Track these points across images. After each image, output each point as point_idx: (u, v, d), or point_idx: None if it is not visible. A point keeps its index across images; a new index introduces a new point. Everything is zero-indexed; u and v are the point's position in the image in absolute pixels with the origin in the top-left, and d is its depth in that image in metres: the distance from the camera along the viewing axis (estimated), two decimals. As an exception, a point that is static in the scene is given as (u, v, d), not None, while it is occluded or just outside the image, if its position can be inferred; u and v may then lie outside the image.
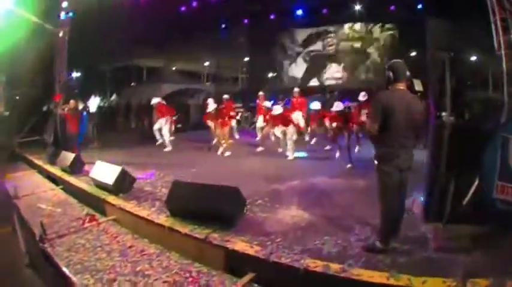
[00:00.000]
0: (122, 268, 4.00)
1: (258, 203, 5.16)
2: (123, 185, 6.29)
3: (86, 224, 5.43)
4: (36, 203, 6.75)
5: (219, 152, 9.76)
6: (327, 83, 19.13)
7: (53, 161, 9.31)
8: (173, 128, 11.46)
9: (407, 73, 3.29)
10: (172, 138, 11.04)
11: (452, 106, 3.86)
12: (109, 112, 19.20)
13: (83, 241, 4.86)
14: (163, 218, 4.82)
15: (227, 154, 9.60)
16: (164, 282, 3.68)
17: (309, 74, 19.87)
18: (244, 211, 4.73)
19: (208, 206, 4.47)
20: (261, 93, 12.42)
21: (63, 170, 8.36)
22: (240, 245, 3.76)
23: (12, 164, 11.64)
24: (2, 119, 15.71)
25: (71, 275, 3.78)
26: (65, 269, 3.94)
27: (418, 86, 3.86)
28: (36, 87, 15.62)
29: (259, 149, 10.03)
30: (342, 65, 19.33)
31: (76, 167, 8.18)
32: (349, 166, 7.42)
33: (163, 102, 11.35)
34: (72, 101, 10.08)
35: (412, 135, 3.32)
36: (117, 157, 9.52)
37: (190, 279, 3.70)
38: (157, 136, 10.98)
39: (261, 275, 3.42)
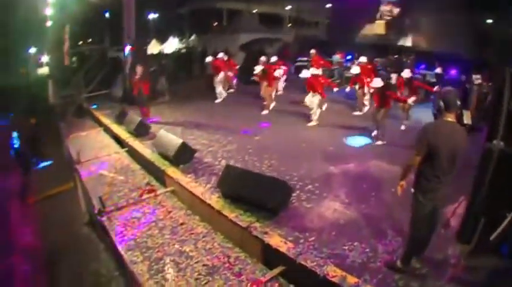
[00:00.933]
0: (170, 247, 5.16)
1: (307, 189, 5.83)
2: (183, 157, 7.43)
3: (144, 196, 6.78)
4: (99, 169, 8.39)
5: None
6: (407, 44, 17.80)
7: (120, 120, 11.07)
8: (234, 82, 14.55)
9: (458, 103, 3.56)
10: (231, 90, 14.03)
11: (507, 130, 3.81)
12: (186, 56, 21.07)
13: (139, 214, 6.19)
14: (214, 199, 5.79)
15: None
16: (204, 265, 4.72)
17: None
18: (290, 201, 5.44)
19: (255, 195, 5.29)
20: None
21: (129, 132, 9.99)
22: (275, 239, 4.53)
23: (80, 119, 14.09)
24: (68, 73, 18.68)
25: (122, 252, 5.07)
26: (118, 246, 5.24)
27: (467, 119, 3.92)
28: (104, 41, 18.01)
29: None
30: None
31: (141, 131, 9.72)
32: (379, 143, 8.20)
33: (223, 57, 13.90)
34: (139, 67, 11.52)
35: (454, 171, 3.62)
36: (184, 114, 11.55)
37: (227, 265, 4.65)
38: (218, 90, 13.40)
39: (288, 270, 4.20)
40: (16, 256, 7.65)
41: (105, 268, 6.53)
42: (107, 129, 11.56)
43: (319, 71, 11.63)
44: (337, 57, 16.91)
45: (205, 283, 4.34)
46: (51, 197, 10.59)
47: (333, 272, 3.76)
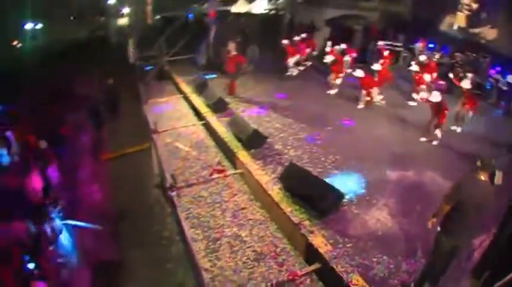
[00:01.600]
0: (228, 229, 6.63)
1: (360, 193, 6.89)
2: (255, 142, 8.80)
3: (214, 175, 8.32)
4: (175, 140, 10.06)
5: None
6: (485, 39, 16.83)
7: (200, 91, 12.77)
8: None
9: (493, 164, 4.43)
10: (301, 68, 15.80)
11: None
12: (274, 21, 22.13)
13: (206, 193, 7.74)
14: (276, 191, 7.05)
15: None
16: (253, 251, 6.13)
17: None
18: (341, 204, 6.55)
19: (310, 196, 6.52)
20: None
21: (208, 105, 11.61)
22: (318, 240, 5.74)
23: (159, 83, 16.11)
24: (150, 32, 20.61)
25: (186, 229, 6.65)
26: (183, 223, 6.83)
27: (498, 180, 4.55)
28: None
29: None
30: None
31: (220, 107, 11.27)
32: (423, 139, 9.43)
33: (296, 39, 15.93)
34: (231, 45, 12.95)
35: (479, 222, 4.54)
36: (265, 90, 13.23)
37: (273, 254, 6.01)
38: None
39: (322, 269, 5.42)
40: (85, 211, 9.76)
41: (168, 231, 8.35)
42: (186, 98, 13.33)
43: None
44: (419, 45, 17.00)
45: (251, 268, 5.75)
46: (126, 155, 12.80)
47: (356, 281, 4.90)
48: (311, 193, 6.53)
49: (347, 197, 6.76)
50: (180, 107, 13.11)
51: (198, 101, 12.44)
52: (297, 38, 16.24)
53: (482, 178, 4.46)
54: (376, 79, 11.98)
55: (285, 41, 15.64)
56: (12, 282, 6.55)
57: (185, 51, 19.02)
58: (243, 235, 6.53)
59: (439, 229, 4.72)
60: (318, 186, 6.60)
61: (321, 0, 19.90)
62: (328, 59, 13.19)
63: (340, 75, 13.16)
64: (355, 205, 6.62)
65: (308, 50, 16.55)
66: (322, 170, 7.85)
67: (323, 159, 8.27)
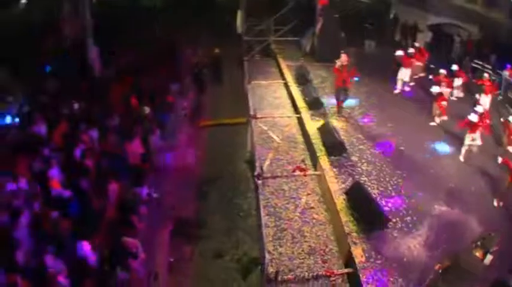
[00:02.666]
0: (295, 223, 8.60)
1: (405, 220, 8.45)
2: (336, 151, 10.54)
3: (296, 172, 10.31)
4: (269, 129, 11.90)
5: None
6: None
7: (300, 82, 14.45)
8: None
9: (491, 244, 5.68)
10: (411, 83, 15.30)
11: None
12: (377, 11, 22.47)
13: (286, 187, 9.73)
14: (340, 200, 8.75)
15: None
16: (308, 246, 8.18)
17: None
18: (386, 227, 8.27)
19: (364, 214, 8.30)
20: None
21: (304, 100, 13.34)
22: (357, 250, 7.50)
23: (265, 61, 18.04)
24: (260, 6, 21.21)
25: (262, 215, 8.79)
26: (261, 209, 8.96)
27: (487, 260, 5.85)
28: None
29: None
30: None
31: (315, 106, 12.97)
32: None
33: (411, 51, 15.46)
34: (344, 56, 12.86)
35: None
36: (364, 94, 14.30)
37: (321, 252, 7.95)
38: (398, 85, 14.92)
39: (351, 275, 7.35)
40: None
41: (247, 205, 10.60)
42: (287, 85, 15.12)
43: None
44: (505, 73, 15.11)
45: (302, 259, 7.81)
46: (223, 125, 14.96)
47: None
48: (364, 213, 8.33)
49: (393, 221, 8.45)
50: (280, 94, 15.04)
51: (297, 93, 14.18)
52: (411, 50, 15.69)
53: (477, 254, 5.85)
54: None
55: (399, 52, 15.21)
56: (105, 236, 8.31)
57: (293, 34, 20.30)
58: (305, 230, 8.51)
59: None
60: (371, 209, 8.29)
61: (425, 4, 19.77)
62: (435, 90, 12.77)
63: (444, 104, 12.53)
64: (397, 229, 8.25)
65: (420, 64, 16.14)
66: (383, 191, 9.41)
67: (388, 179, 9.82)
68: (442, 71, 13.88)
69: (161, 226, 9.89)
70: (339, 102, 13.04)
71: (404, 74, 14.95)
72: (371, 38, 20.07)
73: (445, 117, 12.45)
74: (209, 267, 8.99)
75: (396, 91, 15.07)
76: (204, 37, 20.24)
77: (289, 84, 15.31)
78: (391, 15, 21.94)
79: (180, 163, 12.14)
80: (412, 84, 15.51)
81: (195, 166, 12.46)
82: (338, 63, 12.83)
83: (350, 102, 13.59)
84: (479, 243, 6.01)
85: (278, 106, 14.08)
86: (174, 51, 17.63)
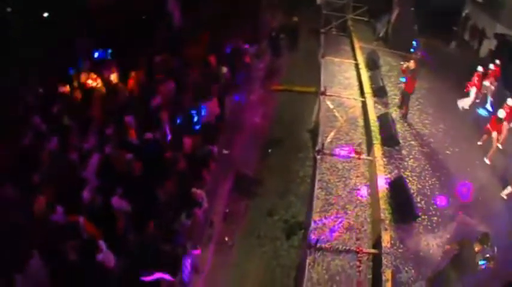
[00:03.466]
0: (341, 200, 10.20)
1: (431, 219, 9.86)
2: (390, 142, 11.94)
3: (351, 155, 11.77)
4: (335, 108, 13.27)
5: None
6: None
7: (371, 67, 15.53)
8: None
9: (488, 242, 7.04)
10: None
11: None
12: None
13: (340, 166, 11.26)
14: (383, 189, 10.31)
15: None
16: (348, 222, 9.77)
17: None
18: (415, 221, 9.69)
19: (399, 205, 9.81)
20: None
21: (372, 87, 14.45)
22: (386, 236, 8.95)
23: (340, 37, 18.90)
24: None
25: (315, 187, 10.35)
26: (316, 182, 10.54)
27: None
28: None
29: None
30: None
31: (380, 93, 14.19)
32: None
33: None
34: (412, 62, 13.50)
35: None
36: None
37: (357, 230, 9.55)
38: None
39: (376, 256, 8.93)
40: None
41: (303, 172, 12.30)
42: (357, 67, 16.22)
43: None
44: None
45: (340, 232, 9.50)
46: (292, 92, 16.28)
47: (387, 274, 8.09)
48: (400, 204, 9.81)
49: (422, 217, 9.84)
50: (349, 75, 16.23)
51: (366, 78, 15.34)
52: (491, 67, 14.94)
53: (476, 249, 7.29)
54: None
55: (480, 69, 14.61)
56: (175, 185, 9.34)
57: (369, 14, 21.04)
58: (348, 208, 10.12)
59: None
60: (405, 201, 9.80)
61: (496, 12, 19.36)
62: (501, 114, 11.95)
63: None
64: (423, 225, 9.77)
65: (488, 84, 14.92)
66: (420, 188, 10.81)
67: (427, 179, 11.19)
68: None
69: (224, 179, 11.60)
70: (405, 108, 13.80)
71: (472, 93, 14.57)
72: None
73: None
74: (258, 223, 10.89)
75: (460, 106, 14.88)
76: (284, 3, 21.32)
77: (360, 66, 16.39)
78: (463, 14, 21.80)
79: (250, 122, 13.76)
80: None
81: (263, 127, 14.06)
82: (405, 65, 13.68)
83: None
84: (479, 238, 7.41)
85: (346, 87, 15.32)
86: (255, 12, 18.65)
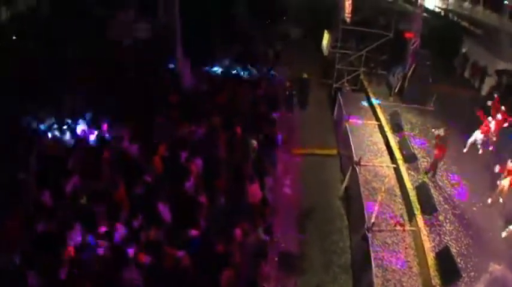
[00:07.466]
0: (394, 274, 11.29)
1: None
2: (428, 210, 13.26)
3: (397, 227, 12.67)
4: (372, 180, 14.53)
5: None
6: None
7: (396, 129, 16.91)
8: None
9: None
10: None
11: None
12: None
13: (389, 241, 12.58)
14: (431, 256, 11.55)
15: None
16: None
17: None
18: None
19: (447, 273, 11.05)
20: None
21: (399, 150, 15.75)
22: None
23: (353, 94, 20.21)
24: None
25: (373, 266, 11.20)
26: (372, 260, 11.36)
27: None
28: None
29: None
30: None
31: (410, 159, 15.44)
32: None
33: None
34: (442, 130, 14.30)
35: None
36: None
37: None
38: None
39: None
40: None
41: (342, 242, 12.83)
42: (381, 128, 17.55)
43: None
44: None
45: None
46: (314, 155, 16.84)
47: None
48: (448, 272, 11.01)
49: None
50: (376, 139, 17.48)
51: (393, 140, 16.76)
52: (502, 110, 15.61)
53: None
54: None
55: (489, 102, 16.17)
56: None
57: (381, 67, 22.65)
58: (403, 281, 11.36)
59: None
60: (454, 271, 10.98)
61: (496, 47, 20.54)
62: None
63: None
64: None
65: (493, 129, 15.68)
66: (458, 250, 11.84)
67: (462, 239, 12.23)
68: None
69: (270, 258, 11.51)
70: (433, 170, 14.90)
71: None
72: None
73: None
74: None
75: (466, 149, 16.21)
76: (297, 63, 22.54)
77: (383, 125, 17.77)
78: (463, 51, 23.15)
79: (284, 196, 14.08)
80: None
81: (295, 197, 14.47)
82: (437, 132, 14.52)
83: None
84: None
85: (376, 153, 16.47)
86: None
